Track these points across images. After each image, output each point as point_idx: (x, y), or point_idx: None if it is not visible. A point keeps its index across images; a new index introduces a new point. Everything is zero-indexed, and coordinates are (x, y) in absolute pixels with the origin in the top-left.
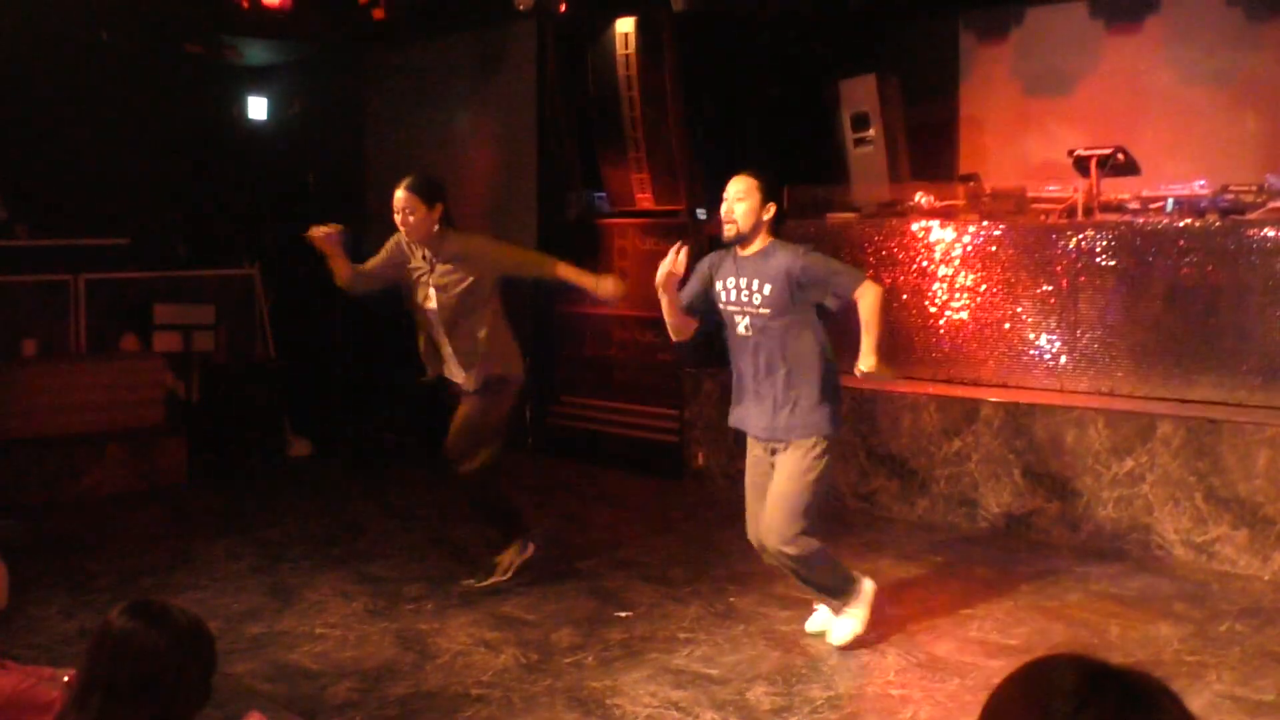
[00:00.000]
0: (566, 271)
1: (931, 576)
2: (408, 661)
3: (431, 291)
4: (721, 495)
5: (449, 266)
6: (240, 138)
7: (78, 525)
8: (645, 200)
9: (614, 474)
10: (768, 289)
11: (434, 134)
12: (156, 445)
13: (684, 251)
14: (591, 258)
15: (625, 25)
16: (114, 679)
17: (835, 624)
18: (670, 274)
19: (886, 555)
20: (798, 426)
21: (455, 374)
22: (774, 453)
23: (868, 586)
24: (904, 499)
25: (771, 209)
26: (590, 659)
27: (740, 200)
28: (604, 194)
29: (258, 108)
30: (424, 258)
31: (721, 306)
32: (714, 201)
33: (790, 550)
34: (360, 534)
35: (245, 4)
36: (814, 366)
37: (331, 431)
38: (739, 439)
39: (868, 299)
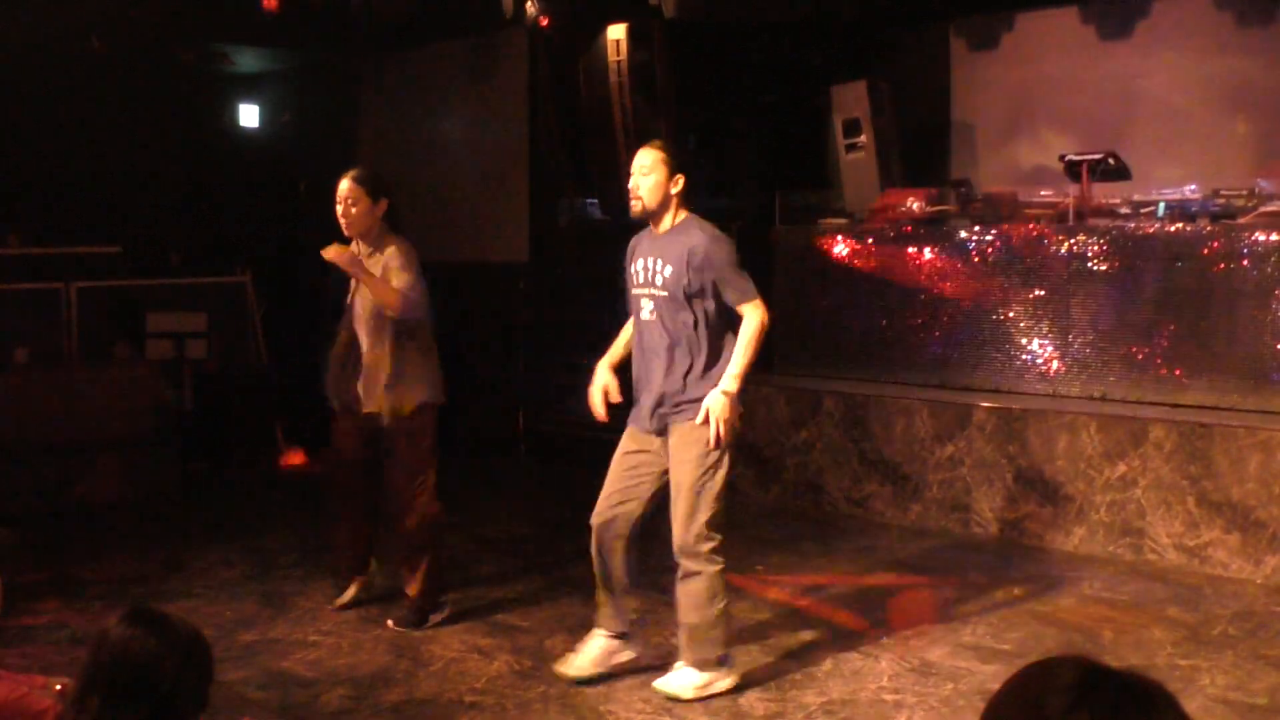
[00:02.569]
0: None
1: (925, 582)
2: (401, 669)
3: (358, 291)
4: None
5: (374, 265)
6: (232, 145)
7: (70, 534)
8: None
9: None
10: (669, 270)
11: (426, 141)
12: (149, 453)
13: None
14: (585, 263)
15: (617, 32)
16: (112, 686)
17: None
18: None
19: (880, 561)
20: (685, 407)
21: (365, 396)
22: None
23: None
24: (897, 504)
25: (680, 181)
26: None
27: (646, 174)
28: (595, 201)
29: (250, 115)
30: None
31: (631, 292)
32: (707, 206)
33: (702, 550)
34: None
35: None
36: (705, 351)
37: (324, 439)
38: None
39: (753, 319)
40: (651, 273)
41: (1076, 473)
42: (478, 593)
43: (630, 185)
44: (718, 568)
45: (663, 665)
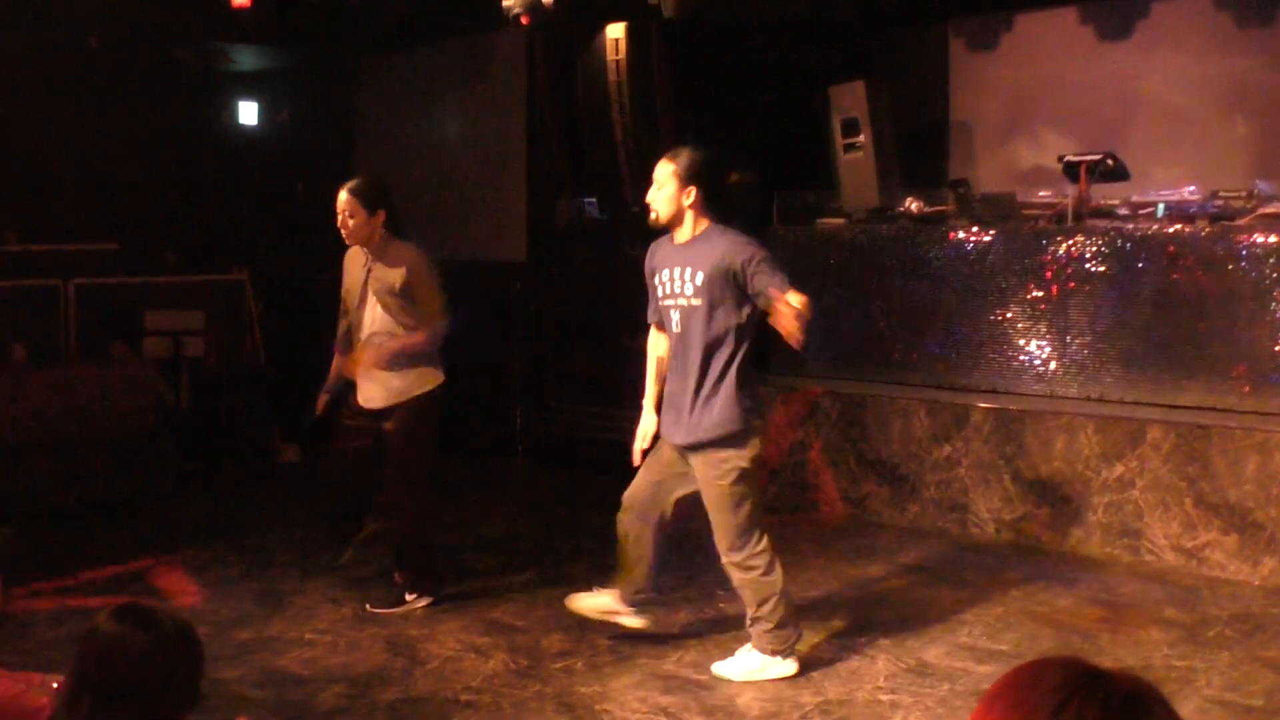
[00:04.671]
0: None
1: (921, 582)
2: (397, 667)
3: (369, 296)
4: None
5: (384, 273)
6: (230, 143)
7: (67, 531)
8: (634, 207)
9: (604, 480)
10: (700, 277)
11: (423, 140)
12: (146, 451)
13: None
14: (583, 262)
15: (615, 31)
16: (102, 683)
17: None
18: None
19: (877, 561)
20: (709, 425)
21: (366, 393)
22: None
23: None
24: (894, 504)
25: (692, 193)
26: (580, 664)
27: (660, 188)
28: (593, 200)
29: (248, 113)
30: (364, 264)
31: (660, 303)
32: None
33: (736, 559)
34: (349, 539)
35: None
36: (732, 368)
37: (321, 437)
38: None
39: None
40: (681, 282)
41: (1074, 474)
42: (474, 592)
43: (648, 197)
44: (758, 571)
45: (661, 658)
